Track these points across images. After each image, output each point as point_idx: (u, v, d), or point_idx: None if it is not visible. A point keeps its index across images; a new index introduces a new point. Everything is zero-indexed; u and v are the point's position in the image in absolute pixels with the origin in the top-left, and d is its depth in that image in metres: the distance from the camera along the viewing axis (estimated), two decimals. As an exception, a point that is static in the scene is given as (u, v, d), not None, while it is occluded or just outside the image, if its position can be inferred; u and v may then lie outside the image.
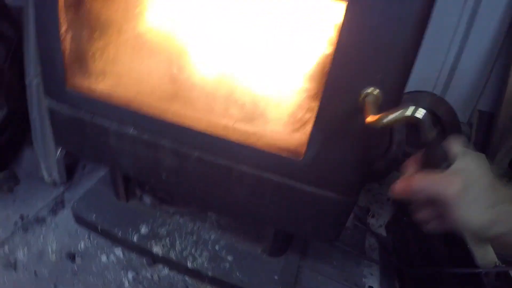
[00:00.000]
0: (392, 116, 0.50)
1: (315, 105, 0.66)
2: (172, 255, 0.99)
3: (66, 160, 1.22)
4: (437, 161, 0.46)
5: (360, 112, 0.61)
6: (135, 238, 1.03)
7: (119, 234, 1.04)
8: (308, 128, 0.68)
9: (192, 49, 0.76)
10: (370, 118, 0.55)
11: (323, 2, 0.60)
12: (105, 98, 0.84)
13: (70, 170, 1.29)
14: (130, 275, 0.97)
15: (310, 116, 0.67)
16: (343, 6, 0.57)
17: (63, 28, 0.77)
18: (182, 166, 0.84)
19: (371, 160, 0.69)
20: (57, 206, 1.17)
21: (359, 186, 0.75)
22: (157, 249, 1.01)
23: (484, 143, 1.47)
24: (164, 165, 0.86)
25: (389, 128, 1.19)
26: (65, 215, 1.14)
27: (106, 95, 0.85)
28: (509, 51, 1.36)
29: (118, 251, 1.04)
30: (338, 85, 0.62)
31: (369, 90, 0.61)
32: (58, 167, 1.19)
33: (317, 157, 0.70)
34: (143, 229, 1.06)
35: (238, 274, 0.97)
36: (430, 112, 0.51)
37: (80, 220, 1.10)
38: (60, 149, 1.18)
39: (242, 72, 0.72)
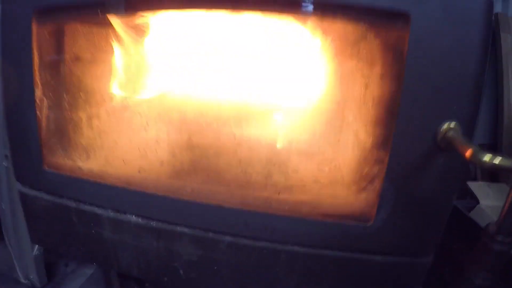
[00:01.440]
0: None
1: (384, 154, 0.53)
2: None
3: (45, 257, 0.95)
4: None
5: (441, 152, 0.51)
6: None
7: None
8: (377, 184, 0.55)
9: (208, 106, 0.62)
10: (469, 154, 0.45)
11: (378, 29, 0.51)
12: (96, 179, 0.66)
13: (50, 269, 1.01)
14: None
15: (379, 169, 0.54)
16: (405, 34, 0.48)
17: (39, 93, 0.61)
18: (207, 257, 0.65)
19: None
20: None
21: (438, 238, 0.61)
22: None
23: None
24: (183, 259, 0.66)
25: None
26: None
27: (96, 175, 0.67)
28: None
29: None
30: (411, 125, 0.52)
31: (447, 125, 0.51)
32: (36, 266, 0.92)
33: (390, 217, 0.56)
34: None
35: None
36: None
37: None
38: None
39: (283, 125, 0.59)
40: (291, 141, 0.58)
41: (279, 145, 0.58)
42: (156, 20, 0.62)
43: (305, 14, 0.49)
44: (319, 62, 0.54)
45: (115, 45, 0.65)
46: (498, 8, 1.35)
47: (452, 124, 0.51)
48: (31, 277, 0.94)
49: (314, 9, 0.49)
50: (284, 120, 0.57)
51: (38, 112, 0.62)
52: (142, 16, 0.60)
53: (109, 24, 0.61)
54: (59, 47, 0.63)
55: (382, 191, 0.55)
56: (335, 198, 0.58)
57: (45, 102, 0.62)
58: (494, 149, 1.42)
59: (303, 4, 0.49)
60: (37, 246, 0.92)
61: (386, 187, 0.54)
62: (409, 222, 0.56)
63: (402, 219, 0.56)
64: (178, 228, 0.63)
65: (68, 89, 0.66)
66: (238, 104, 0.61)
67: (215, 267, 0.65)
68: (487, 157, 0.44)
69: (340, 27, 0.50)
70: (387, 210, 0.56)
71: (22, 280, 0.95)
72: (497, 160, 0.44)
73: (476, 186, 1.16)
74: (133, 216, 0.66)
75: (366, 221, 0.57)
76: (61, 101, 0.65)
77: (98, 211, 0.67)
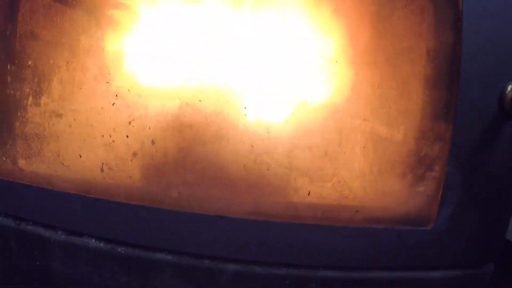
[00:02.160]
0: None
1: (445, 128, 0.40)
2: None
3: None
4: None
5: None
6: None
7: None
8: (438, 170, 0.41)
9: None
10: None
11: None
12: (42, 185, 0.46)
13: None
14: None
15: (440, 149, 0.41)
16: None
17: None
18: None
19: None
20: None
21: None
22: None
23: None
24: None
25: None
26: None
27: (43, 180, 0.47)
28: None
29: None
30: (475, 88, 0.40)
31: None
32: None
33: (456, 216, 0.42)
34: None
35: None
36: None
37: None
38: None
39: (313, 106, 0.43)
40: (322, 111, 0.42)
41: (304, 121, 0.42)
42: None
43: None
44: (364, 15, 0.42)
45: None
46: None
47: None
48: None
49: None
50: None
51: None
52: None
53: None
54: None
55: (446, 179, 0.41)
56: (384, 195, 0.42)
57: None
58: None
59: None
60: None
61: (451, 174, 0.41)
62: (477, 221, 0.42)
63: (469, 217, 0.42)
64: (158, 255, 0.43)
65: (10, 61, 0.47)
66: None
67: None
68: None
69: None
70: (452, 207, 0.42)
71: None
72: None
73: None
74: (93, 239, 0.45)
75: (425, 223, 0.42)
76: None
77: (45, 233, 0.46)
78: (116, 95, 0.45)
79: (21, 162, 0.51)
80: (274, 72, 0.45)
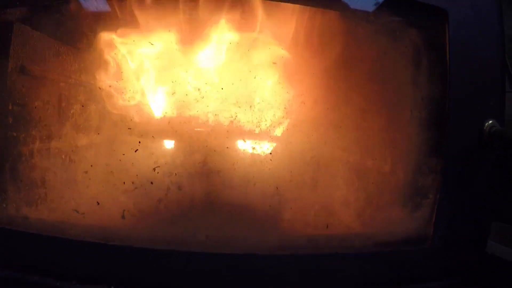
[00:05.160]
0: None
1: (437, 162, 0.48)
2: None
3: None
4: None
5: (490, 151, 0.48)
6: None
7: None
8: (432, 197, 0.49)
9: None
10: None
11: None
12: (52, 234, 0.45)
13: None
14: None
15: (434, 179, 0.48)
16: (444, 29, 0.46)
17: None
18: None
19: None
20: None
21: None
22: None
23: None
24: None
25: None
26: None
27: (53, 228, 0.46)
28: None
29: None
30: (461, 127, 0.48)
31: (489, 122, 0.50)
32: None
33: (448, 234, 0.50)
34: None
35: None
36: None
37: None
38: None
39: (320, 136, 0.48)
40: (331, 156, 0.48)
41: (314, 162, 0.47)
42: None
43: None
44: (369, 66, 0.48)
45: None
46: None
47: (492, 121, 0.50)
48: None
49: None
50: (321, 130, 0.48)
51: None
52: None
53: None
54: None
55: (439, 204, 0.49)
56: (389, 222, 0.49)
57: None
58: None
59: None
60: None
61: (442, 199, 0.49)
62: (466, 235, 0.51)
63: (459, 233, 0.50)
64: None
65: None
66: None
67: None
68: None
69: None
70: (443, 226, 0.49)
71: None
72: None
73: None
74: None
75: (423, 242, 0.49)
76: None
77: (56, 284, 0.44)
78: (139, 142, 0.46)
79: (26, 211, 0.50)
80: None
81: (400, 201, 0.49)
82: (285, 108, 0.46)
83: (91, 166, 0.49)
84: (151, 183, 0.46)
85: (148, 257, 0.46)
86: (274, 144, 0.47)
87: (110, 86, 0.49)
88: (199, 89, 0.46)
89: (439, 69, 0.47)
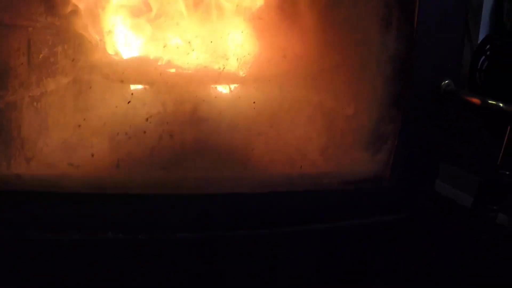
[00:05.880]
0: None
1: (396, 113, 0.55)
2: None
3: None
4: None
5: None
6: None
7: None
8: (390, 142, 0.57)
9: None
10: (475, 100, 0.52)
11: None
12: (45, 188, 0.47)
13: None
14: None
15: (393, 127, 0.56)
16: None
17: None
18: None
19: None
20: None
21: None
22: None
23: None
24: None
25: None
26: None
27: (46, 183, 0.49)
28: None
29: None
30: (421, 83, 0.55)
31: (446, 81, 0.57)
32: None
33: (402, 175, 0.59)
34: None
35: None
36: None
37: None
38: None
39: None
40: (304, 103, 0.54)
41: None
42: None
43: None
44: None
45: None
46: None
47: (448, 81, 0.57)
48: None
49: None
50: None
51: None
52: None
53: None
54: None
55: (396, 149, 0.57)
56: (354, 163, 0.57)
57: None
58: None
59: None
60: None
61: (400, 145, 0.57)
62: (417, 176, 0.60)
63: (412, 174, 0.60)
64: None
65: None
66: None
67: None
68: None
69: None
70: (400, 168, 0.58)
71: None
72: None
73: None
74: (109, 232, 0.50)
75: (381, 181, 0.58)
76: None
77: (56, 237, 0.49)
78: (132, 94, 0.50)
79: (19, 169, 0.51)
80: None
81: (363, 145, 0.57)
82: (268, 61, 0.51)
83: (84, 120, 0.52)
84: (144, 132, 0.51)
85: (143, 202, 0.51)
86: (257, 94, 0.52)
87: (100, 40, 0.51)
88: (189, 42, 0.49)
89: (406, 30, 0.53)
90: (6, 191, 0.48)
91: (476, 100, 0.54)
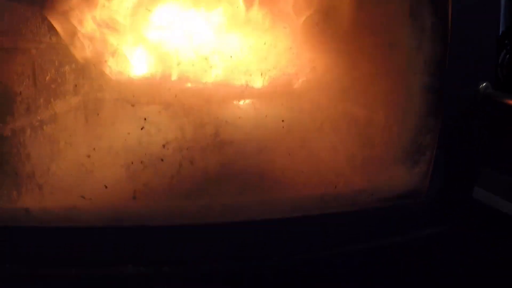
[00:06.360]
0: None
1: (435, 122, 0.51)
2: None
3: None
4: None
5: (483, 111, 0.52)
6: None
7: None
8: (428, 153, 0.53)
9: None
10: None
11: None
12: (56, 223, 0.44)
13: None
14: None
15: (431, 138, 0.52)
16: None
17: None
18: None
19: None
20: None
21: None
22: None
23: None
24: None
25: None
26: None
27: (56, 218, 0.45)
28: None
29: None
30: (457, 88, 0.51)
31: (484, 84, 0.53)
32: None
33: (441, 187, 0.54)
34: None
35: None
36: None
37: None
38: None
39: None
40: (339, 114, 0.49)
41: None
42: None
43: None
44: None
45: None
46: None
47: (486, 83, 0.53)
48: None
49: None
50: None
51: None
52: None
53: None
54: None
55: (435, 161, 0.53)
56: (390, 179, 0.53)
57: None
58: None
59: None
60: None
61: (439, 156, 0.52)
62: (456, 187, 0.56)
63: (451, 185, 0.55)
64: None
65: None
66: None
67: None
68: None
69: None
70: (439, 180, 0.54)
71: None
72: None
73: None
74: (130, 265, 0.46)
75: (419, 195, 0.54)
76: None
77: (73, 272, 0.45)
78: (145, 119, 0.45)
79: (29, 202, 0.47)
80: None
81: (400, 159, 0.53)
82: (296, 74, 0.47)
83: (94, 149, 0.47)
84: (162, 160, 0.46)
85: (165, 233, 0.47)
86: (286, 111, 0.47)
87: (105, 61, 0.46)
88: (206, 58, 0.45)
89: (440, 32, 0.49)
90: (15, 227, 0.44)
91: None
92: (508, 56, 0.98)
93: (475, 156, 0.54)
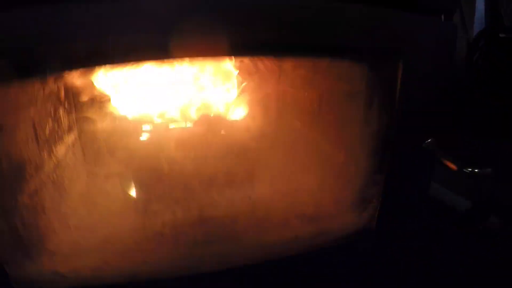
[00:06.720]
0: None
1: (380, 177, 0.61)
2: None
3: None
4: None
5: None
6: None
7: None
8: (375, 201, 0.63)
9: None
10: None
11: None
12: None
13: None
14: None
15: (377, 189, 0.62)
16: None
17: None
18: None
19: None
20: None
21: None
22: None
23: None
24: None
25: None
26: None
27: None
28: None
29: None
30: (402, 150, 0.59)
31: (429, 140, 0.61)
32: None
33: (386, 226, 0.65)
34: None
35: None
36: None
37: None
38: None
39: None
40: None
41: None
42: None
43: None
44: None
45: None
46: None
47: (430, 140, 0.61)
48: None
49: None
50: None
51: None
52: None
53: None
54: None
55: (380, 206, 0.63)
56: (343, 223, 0.64)
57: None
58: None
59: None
60: None
61: (384, 203, 0.63)
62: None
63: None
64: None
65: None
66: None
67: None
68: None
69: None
70: (383, 221, 0.64)
71: None
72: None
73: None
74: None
75: (368, 232, 0.65)
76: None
77: None
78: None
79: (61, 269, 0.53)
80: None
81: (353, 207, 0.63)
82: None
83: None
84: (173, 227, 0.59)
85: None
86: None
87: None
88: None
89: (387, 107, 0.55)
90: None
91: (452, 166, 0.58)
92: (481, 58, 1.01)
93: (415, 202, 0.64)
